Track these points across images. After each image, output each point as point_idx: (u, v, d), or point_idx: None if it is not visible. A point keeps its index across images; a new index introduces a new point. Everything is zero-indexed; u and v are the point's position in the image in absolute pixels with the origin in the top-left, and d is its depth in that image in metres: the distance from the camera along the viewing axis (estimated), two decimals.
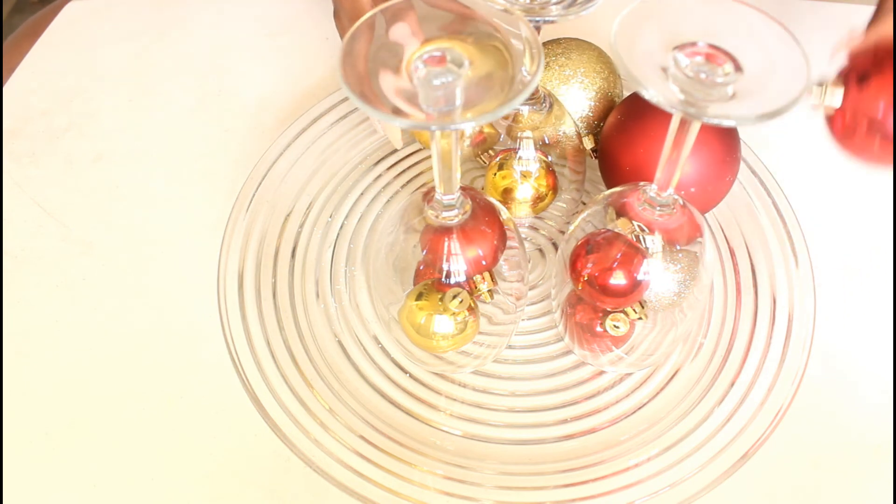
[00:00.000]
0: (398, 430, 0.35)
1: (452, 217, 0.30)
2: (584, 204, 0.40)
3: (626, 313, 0.33)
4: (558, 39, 0.43)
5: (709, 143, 0.36)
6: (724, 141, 0.37)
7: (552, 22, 0.27)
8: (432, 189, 0.29)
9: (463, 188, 0.30)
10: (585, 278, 0.32)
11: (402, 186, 0.46)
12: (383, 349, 0.39)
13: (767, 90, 0.21)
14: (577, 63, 0.41)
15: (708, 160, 0.36)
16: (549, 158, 0.38)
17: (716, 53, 0.22)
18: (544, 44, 0.42)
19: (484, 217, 0.31)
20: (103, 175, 0.48)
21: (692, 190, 0.37)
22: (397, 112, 0.21)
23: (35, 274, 0.43)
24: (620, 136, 0.38)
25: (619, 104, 0.40)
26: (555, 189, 0.39)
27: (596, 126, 0.42)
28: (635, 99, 0.39)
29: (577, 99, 0.41)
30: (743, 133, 0.40)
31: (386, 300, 0.35)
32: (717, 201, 0.39)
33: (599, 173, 0.42)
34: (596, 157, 0.43)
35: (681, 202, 0.30)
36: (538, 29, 0.28)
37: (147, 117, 0.52)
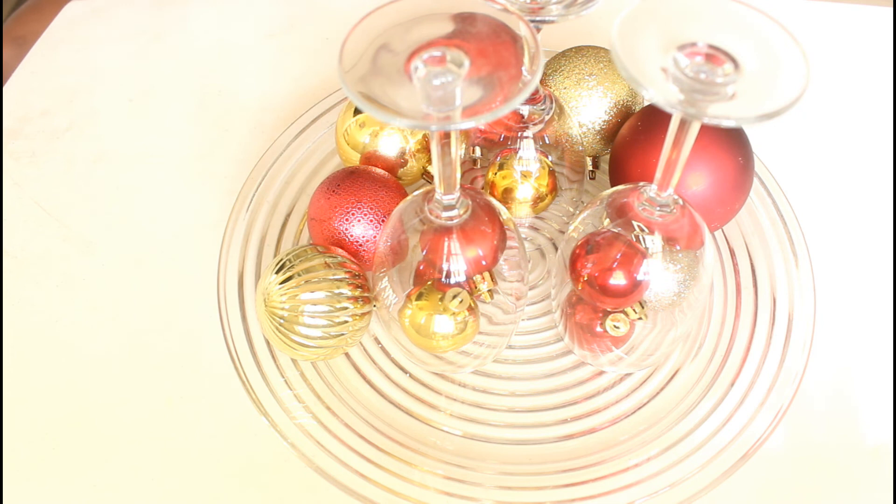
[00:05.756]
0: (398, 430, 0.35)
1: (452, 217, 0.30)
2: (584, 204, 0.40)
3: (626, 313, 0.33)
4: (581, 47, 0.42)
5: (725, 166, 0.36)
6: (742, 157, 0.37)
7: (552, 22, 0.27)
8: (432, 189, 0.29)
9: (463, 188, 0.30)
10: (585, 278, 0.32)
11: None
12: (383, 349, 0.39)
13: (767, 90, 0.21)
14: (599, 70, 0.41)
15: (725, 183, 0.36)
16: (550, 159, 0.38)
17: (716, 53, 0.22)
18: (569, 50, 0.42)
19: (484, 217, 0.31)
20: (103, 175, 0.48)
21: (717, 212, 0.37)
22: (397, 112, 0.21)
23: (35, 274, 0.43)
24: (632, 146, 0.38)
25: (633, 115, 0.40)
26: (555, 189, 0.39)
27: (612, 134, 0.42)
28: (650, 110, 0.39)
29: (597, 106, 0.41)
30: None
31: (386, 300, 0.35)
32: (733, 216, 0.39)
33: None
34: (593, 179, 0.43)
35: (681, 202, 0.30)
36: (538, 29, 0.28)
37: (147, 117, 0.52)
